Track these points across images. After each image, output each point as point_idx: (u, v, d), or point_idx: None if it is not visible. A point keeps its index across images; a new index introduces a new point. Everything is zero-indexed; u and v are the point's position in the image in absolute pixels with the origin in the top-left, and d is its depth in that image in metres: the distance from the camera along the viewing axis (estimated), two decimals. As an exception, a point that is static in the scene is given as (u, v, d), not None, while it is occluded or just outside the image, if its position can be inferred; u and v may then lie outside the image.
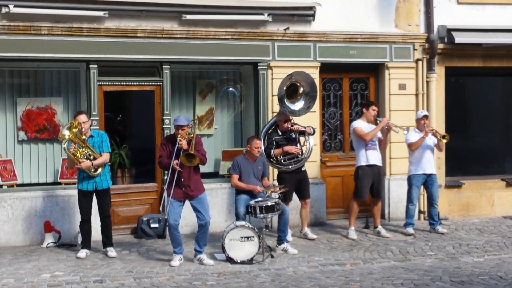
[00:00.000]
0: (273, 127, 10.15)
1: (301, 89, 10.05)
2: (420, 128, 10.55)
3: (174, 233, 8.63)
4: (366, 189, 10.26)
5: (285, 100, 9.92)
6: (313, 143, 10.15)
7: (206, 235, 8.77)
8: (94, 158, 8.96)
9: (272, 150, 9.90)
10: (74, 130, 8.84)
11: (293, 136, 9.97)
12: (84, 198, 9.07)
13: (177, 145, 8.47)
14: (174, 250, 8.73)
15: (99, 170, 9.00)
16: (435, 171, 10.77)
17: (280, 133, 10.00)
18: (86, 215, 9.09)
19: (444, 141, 10.51)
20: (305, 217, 10.28)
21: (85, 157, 8.90)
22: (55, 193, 9.98)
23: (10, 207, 9.84)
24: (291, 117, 10.02)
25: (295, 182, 9.97)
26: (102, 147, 9.06)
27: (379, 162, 10.35)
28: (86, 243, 9.16)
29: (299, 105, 10.05)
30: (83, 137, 8.95)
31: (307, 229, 10.27)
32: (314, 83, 10.15)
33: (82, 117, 8.99)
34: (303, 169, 10.07)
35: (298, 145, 9.99)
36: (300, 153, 9.92)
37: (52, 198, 9.93)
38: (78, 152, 8.86)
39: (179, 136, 8.50)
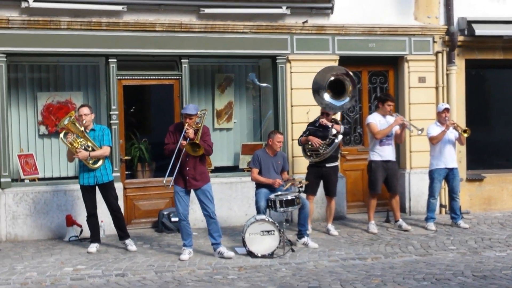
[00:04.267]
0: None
1: (350, 88, 9.98)
2: (441, 121, 10.48)
3: (184, 224, 8.66)
4: (380, 182, 10.23)
5: (322, 91, 9.87)
6: (339, 141, 10.01)
7: (217, 225, 8.76)
8: (93, 150, 8.93)
9: (300, 137, 10.00)
10: (71, 119, 8.81)
11: (331, 132, 9.88)
12: (87, 193, 9.06)
13: (183, 133, 8.48)
14: (184, 242, 8.74)
15: (99, 163, 8.94)
16: (457, 165, 10.71)
17: (317, 125, 9.97)
18: (91, 209, 9.09)
19: (465, 135, 10.43)
20: (329, 214, 10.24)
21: (83, 147, 8.87)
22: (77, 187, 9.95)
23: (32, 201, 9.90)
24: (329, 113, 9.94)
25: (317, 176, 9.96)
26: (103, 141, 9.00)
27: (393, 157, 10.32)
28: (95, 237, 9.17)
29: (340, 102, 9.95)
30: (82, 128, 8.90)
31: (330, 226, 10.23)
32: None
33: (85, 110, 8.99)
34: (327, 165, 9.98)
35: (329, 140, 9.92)
36: (321, 147, 9.88)
37: (73, 192, 9.95)
38: (76, 142, 8.85)
39: (186, 124, 8.51)
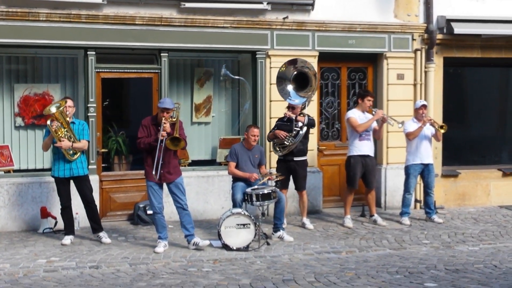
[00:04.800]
0: None
1: (313, 83, 9.98)
2: (418, 118, 10.57)
3: (159, 217, 8.69)
4: (358, 177, 10.30)
5: (286, 83, 9.89)
6: (303, 133, 9.94)
7: (190, 217, 8.80)
8: (74, 142, 8.94)
9: (269, 133, 10.09)
10: (61, 108, 8.83)
11: (298, 124, 9.90)
12: (63, 185, 9.05)
13: (161, 128, 8.46)
14: (159, 235, 8.76)
15: (77, 155, 8.96)
16: (433, 161, 10.80)
17: (285, 120, 10.00)
18: (66, 201, 9.09)
19: (442, 131, 10.53)
20: (302, 207, 10.26)
21: (66, 137, 8.87)
22: (52, 179, 9.92)
23: (7, 192, 9.87)
24: (295, 106, 9.93)
25: (287, 171, 9.92)
26: (83, 135, 9.04)
27: (371, 153, 10.39)
28: (69, 229, 9.15)
29: (297, 97, 9.95)
30: (68, 119, 8.93)
31: (305, 219, 10.26)
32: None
33: (70, 102, 9.03)
34: (295, 159, 9.97)
35: (294, 132, 9.93)
36: (287, 139, 9.89)
37: (49, 184, 9.89)
38: (60, 131, 8.86)
39: (163, 119, 8.51)
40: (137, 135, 8.70)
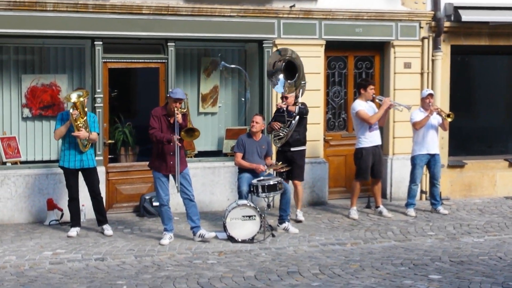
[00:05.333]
0: None
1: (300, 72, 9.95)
2: (425, 107, 10.52)
3: (165, 208, 8.72)
4: (369, 169, 10.27)
5: (278, 73, 9.88)
6: (295, 122, 9.86)
7: (196, 209, 8.82)
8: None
9: (267, 125, 10.09)
10: (81, 99, 8.88)
11: (292, 114, 9.90)
12: (72, 177, 9.09)
13: (176, 119, 8.48)
14: (165, 227, 8.80)
15: (88, 147, 9.03)
16: (439, 151, 10.76)
17: (281, 111, 9.97)
18: (74, 193, 9.12)
19: (449, 119, 10.47)
20: (297, 199, 10.13)
21: (83, 128, 8.93)
22: (59, 170, 9.92)
23: (14, 184, 9.90)
24: (288, 96, 9.90)
25: (285, 161, 9.80)
26: (93, 127, 9.08)
27: (380, 142, 10.39)
28: (76, 221, 9.19)
29: (279, 85, 9.96)
30: (86, 109, 8.99)
31: (298, 211, 10.12)
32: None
33: None
34: (292, 149, 9.93)
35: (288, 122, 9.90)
36: (281, 130, 9.85)
37: (56, 175, 9.95)
38: (79, 120, 8.91)
39: (175, 109, 8.50)
40: (150, 125, 8.67)
